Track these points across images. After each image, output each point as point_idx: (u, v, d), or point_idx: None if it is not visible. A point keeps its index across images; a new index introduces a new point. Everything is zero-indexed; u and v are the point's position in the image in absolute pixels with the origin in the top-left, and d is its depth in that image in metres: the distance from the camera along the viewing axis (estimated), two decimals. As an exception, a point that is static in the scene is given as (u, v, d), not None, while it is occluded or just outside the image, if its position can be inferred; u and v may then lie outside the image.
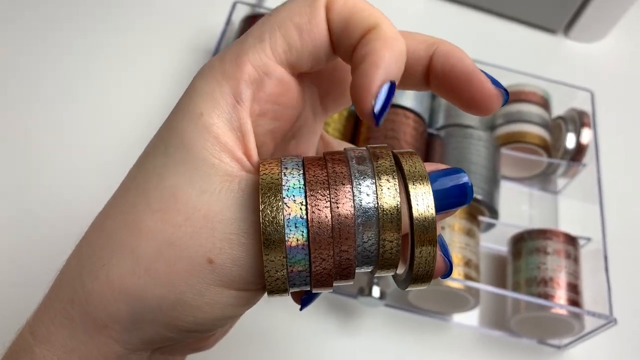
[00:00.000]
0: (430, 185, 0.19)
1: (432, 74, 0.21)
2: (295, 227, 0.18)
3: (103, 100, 0.60)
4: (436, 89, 0.22)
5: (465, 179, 0.20)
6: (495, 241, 0.56)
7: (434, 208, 0.18)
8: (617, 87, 0.72)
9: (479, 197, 0.51)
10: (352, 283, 0.20)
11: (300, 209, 0.18)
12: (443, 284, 0.47)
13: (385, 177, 0.19)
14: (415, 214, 0.18)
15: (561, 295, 0.48)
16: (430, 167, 0.20)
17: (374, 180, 0.19)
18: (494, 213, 0.52)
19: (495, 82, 0.21)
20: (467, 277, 0.48)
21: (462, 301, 0.48)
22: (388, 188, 0.19)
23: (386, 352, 0.50)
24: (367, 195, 0.19)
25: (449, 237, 0.49)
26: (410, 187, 0.19)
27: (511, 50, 0.74)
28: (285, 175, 0.19)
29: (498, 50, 0.73)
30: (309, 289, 0.20)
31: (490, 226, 0.55)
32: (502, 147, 0.57)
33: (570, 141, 0.58)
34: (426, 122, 0.56)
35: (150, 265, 0.19)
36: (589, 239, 0.53)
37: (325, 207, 0.18)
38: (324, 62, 0.21)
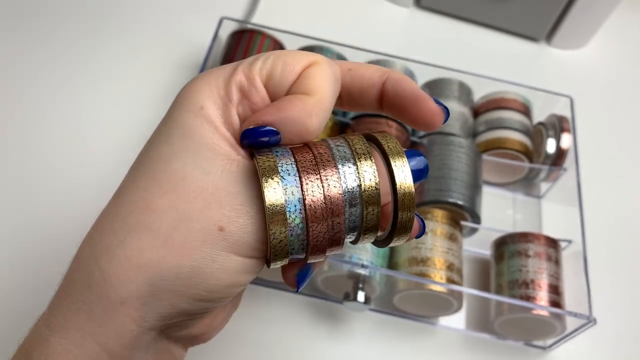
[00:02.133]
0: (407, 160, 0.22)
1: (385, 96, 0.25)
2: (294, 205, 0.21)
3: (92, 115, 0.61)
4: (388, 109, 0.26)
5: (424, 159, 0.24)
6: (479, 245, 0.57)
7: (411, 178, 0.22)
8: (597, 92, 0.74)
9: (460, 202, 0.52)
10: (340, 251, 0.23)
11: (297, 186, 0.21)
12: (426, 287, 0.48)
13: (364, 157, 0.22)
14: (398, 184, 0.22)
15: (543, 296, 0.49)
16: None
17: (354, 162, 0.22)
18: (476, 218, 0.54)
19: (437, 102, 0.25)
20: (450, 280, 0.49)
21: (445, 304, 0.49)
22: (367, 169, 0.22)
23: (374, 356, 0.51)
24: (350, 175, 0.22)
25: (431, 242, 0.50)
26: (392, 161, 0.22)
27: (494, 59, 0.75)
28: (278, 158, 0.22)
29: (481, 59, 0.74)
30: (304, 255, 0.22)
31: (473, 231, 0.56)
32: (484, 154, 0.59)
33: (550, 146, 0.59)
34: (409, 130, 0.58)
35: (167, 238, 0.21)
36: (570, 242, 0.54)
37: (318, 184, 0.21)
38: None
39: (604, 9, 0.72)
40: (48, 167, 0.57)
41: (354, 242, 0.24)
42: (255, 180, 0.22)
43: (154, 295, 0.21)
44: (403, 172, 0.22)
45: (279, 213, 0.21)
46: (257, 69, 0.23)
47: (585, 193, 0.57)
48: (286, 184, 0.21)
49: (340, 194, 0.22)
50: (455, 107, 0.60)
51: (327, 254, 0.23)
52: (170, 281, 0.21)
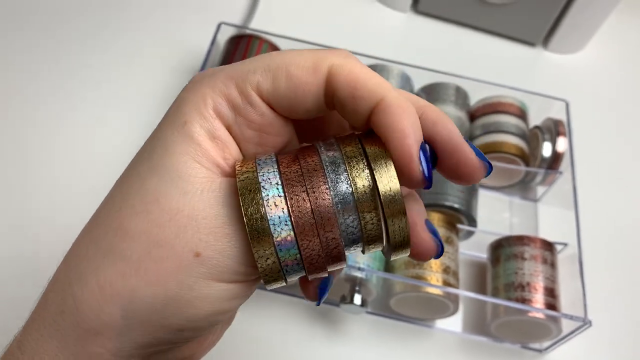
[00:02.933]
0: (391, 162, 0.20)
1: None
2: (279, 220, 0.19)
3: (89, 121, 0.62)
4: None
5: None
6: (476, 248, 0.58)
7: (397, 181, 0.20)
8: (593, 96, 0.74)
9: (456, 205, 0.53)
10: (345, 266, 0.21)
11: (280, 201, 0.19)
12: (423, 290, 0.48)
13: (355, 161, 0.20)
14: (381, 189, 0.20)
15: (538, 299, 0.49)
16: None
17: (344, 166, 0.20)
18: (472, 221, 0.54)
19: (479, 154, 0.21)
20: (446, 283, 0.49)
21: (441, 307, 0.50)
22: (358, 171, 0.20)
23: (370, 358, 0.51)
24: (341, 181, 0.20)
25: (427, 245, 0.50)
26: (373, 165, 0.20)
27: (491, 63, 0.76)
28: (261, 172, 0.20)
29: (478, 63, 0.75)
30: (304, 274, 0.21)
31: (470, 234, 0.57)
32: (480, 157, 0.59)
33: (546, 150, 0.59)
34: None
35: (140, 266, 0.20)
36: (565, 245, 0.54)
37: (304, 197, 0.20)
38: (312, 115, 0.22)
39: (600, 14, 0.73)
40: (45, 169, 0.58)
41: (363, 252, 0.22)
42: (236, 197, 0.20)
43: (129, 326, 0.20)
44: (387, 174, 0.20)
45: (262, 230, 0.19)
46: (254, 84, 0.21)
47: (581, 196, 0.57)
48: (268, 196, 0.19)
49: (330, 205, 0.20)
50: (452, 112, 0.61)
51: (328, 271, 0.21)
52: (145, 311, 0.20)
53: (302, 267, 0.20)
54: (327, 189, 0.20)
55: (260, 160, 0.21)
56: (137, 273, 0.20)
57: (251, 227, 0.19)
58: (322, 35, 0.66)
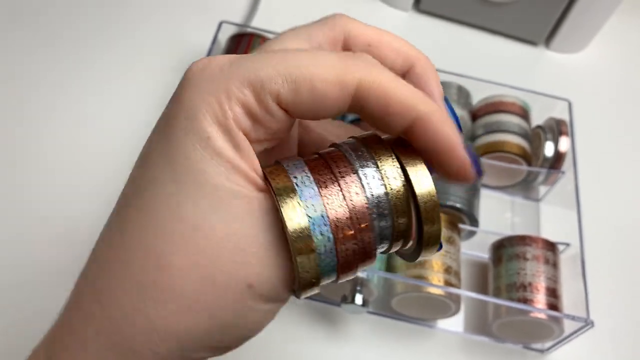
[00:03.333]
0: (424, 164, 0.20)
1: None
2: (321, 233, 0.19)
3: (92, 118, 0.62)
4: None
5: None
6: (478, 248, 0.57)
7: (432, 185, 0.20)
8: (596, 96, 0.74)
9: (458, 205, 0.52)
10: (373, 263, 0.21)
11: (321, 211, 0.19)
12: (424, 290, 0.48)
13: (386, 162, 0.20)
14: (418, 194, 0.19)
15: (540, 299, 0.49)
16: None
17: (377, 169, 0.20)
18: (474, 221, 0.54)
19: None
20: (448, 283, 0.49)
21: (443, 307, 0.50)
22: (392, 173, 0.20)
23: (371, 359, 0.51)
24: (375, 185, 0.20)
25: (429, 245, 0.50)
26: (407, 167, 0.20)
27: (493, 62, 0.75)
28: (297, 184, 0.19)
29: (480, 62, 0.74)
30: (335, 278, 0.20)
31: (472, 234, 0.56)
32: (482, 157, 0.59)
33: (549, 149, 0.59)
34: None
35: (193, 304, 0.19)
36: (568, 245, 0.54)
37: (341, 205, 0.19)
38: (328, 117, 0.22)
39: (602, 13, 0.73)
40: (48, 169, 0.57)
41: (384, 252, 0.22)
42: (278, 216, 0.19)
43: (184, 352, 0.20)
44: (421, 178, 0.19)
45: (304, 238, 0.19)
46: (274, 94, 0.19)
47: (583, 196, 0.57)
48: (306, 200, 0.19)
49: (366, 209, 0.19)
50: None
51: (358, 270, 0.21)
52: (200, 340, 0.20)
53: (336, 272, 0.20)
54: (362, 192, 0.19)
55: (289, 167, 0.20)
56: (190, 310, 0.19)
57: (294, 244, 0.19)
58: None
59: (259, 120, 0.20)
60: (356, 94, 0.20)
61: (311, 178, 0.19)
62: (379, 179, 0.20)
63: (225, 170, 0.19)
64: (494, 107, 0.62)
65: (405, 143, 0.20)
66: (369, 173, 0.20)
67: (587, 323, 0.47)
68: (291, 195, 0.19)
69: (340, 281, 0.21)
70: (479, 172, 0.21)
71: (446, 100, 0.22)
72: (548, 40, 0.78)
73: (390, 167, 0.20)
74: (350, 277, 0.21)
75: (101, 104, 0.63)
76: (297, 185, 0.19)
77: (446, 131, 0.20)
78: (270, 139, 0.21)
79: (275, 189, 0.19)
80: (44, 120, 0.61)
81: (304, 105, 0.20)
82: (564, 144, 0.59)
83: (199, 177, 0.19)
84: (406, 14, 0.79)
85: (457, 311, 0.50)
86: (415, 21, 0.78)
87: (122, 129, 0.61)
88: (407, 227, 0.20)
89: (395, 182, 0.20)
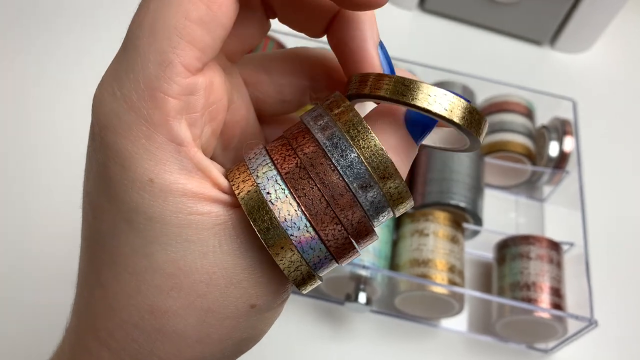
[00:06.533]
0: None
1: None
2: (296, 225, 0.17)
3: (87, 116, 0.62)
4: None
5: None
6: (482, 248, 0.57)
7: (452, 95, 0.17)
8: (601, 96, 0.74)
9: (462, 204, 0.52)
10: (377, 238, 0.19)
11: (291, 204, 0.17)
12: (428, 289, 0.48)
13: (354, 127, 0.18)
14: (445, 114, 0.17)
15: (544, 299, 0.49)
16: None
17: (345, 137, 0.18)
18: (477, 220, 0.54)
19: (386, 61, 0.20)
20: (451, 282, 0.49)
21: (446, 306, 0.50)
22: (363, 137, 0.17)
23: (374, 357, 0.51)
24: (348, 156, 0.17)
25: (433, 244, 0.50)
26: (412, 98, 0.17)
27: (498, 62, 0.75)
28: (261, 184, 0.18)
29: (485, 62, 0.74)
30: (336, 263, 0.19)
31: (476, 233, 0.56)
32: (487, 156, 0.59)
33: (553, 149, 0.59)
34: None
35: (200, 335, 0.19)
36: (572, 244, 0.54)
37: (312, 189, 0.17)
38: (248, 27, 0.20)
39: (607, 13, 0.72)
40: (42, 167, 0.58)
41: (394, 215, 0.19)
42: (253, 230, 0.18)
43: None
44: (437, 97, 0.17)
45: (281, 239, 0.17)
46: (183, 73, 0.17)
47: (588, 196, 0.57)
48: (274, 199, 0.17)
49: (343, 185, 0.17)
50: (458, 110, 0.61)
51: (361, 248, 0.19)
52: (219, 359, 0.20)
53: (332, 258, 0.19)
54: (332, 168, 0.17)
55: (251, 163, 0.18)
56: (199, 342, 0.19)
57: (272, 250, 0.18)
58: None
59: (189, 109, 0.17)
60: None
61: (274, 171, 0.18)
62: (349, 147, 0.17)
63: (182, 204, 0.17)
64: (498, 106, 0.62)
65: (373, 79, 0.18)
66: (337, 145, 0.18)
67: (591, 323, 0.47)
68: (258, 200, 0.17)
69: (345, 263, 0.19)
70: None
71: (381, 45, 0.21)
72: (553, 40, 0.78)
73: (359, 132, 0.17)
74: (356, 257, 0.19)
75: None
76: (261, 186, 0.18)
77: (365, 29, 0.19)
78: (209, 116, 0.19)
79: (240, 200, 0.18)
80: (41, 116, 0.61)
81: (207, 43, 0.17)
82: (569, 143, 0.59)
83: (157, 223, 0.17)
84: (411, 13, 0.79)
85: (460, 310, 0.50)
86: (420, 20, 0.78)
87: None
88: (404, 190, 0.18)
89: (369, 147, 0.17)
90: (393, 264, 0.51)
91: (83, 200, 0.20)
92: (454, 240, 0.51)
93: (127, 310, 0.18)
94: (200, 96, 0.17)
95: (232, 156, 0.22)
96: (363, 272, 0.48)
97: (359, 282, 0.49)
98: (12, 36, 0.67)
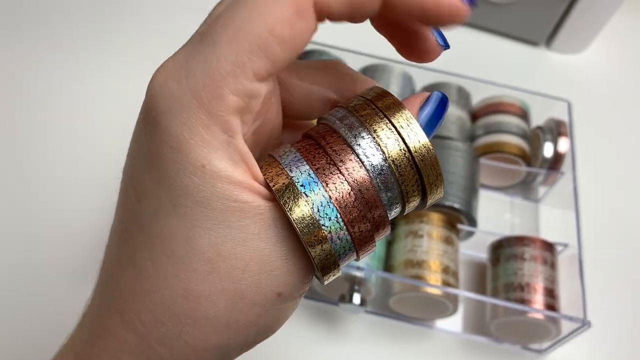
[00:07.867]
0: (409, 114, 0.20)
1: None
2: (327, 216, 0.19)
3: (90, 116, 0.62)
4: (378, 27, 0.22)
5: (438, 94, 0.21)
6: (476, 249, 0.58)
7: (423, 134, 0.19)
8: (596, 97, 0.74)
9: (456, 205, 0.53)
10: (389, 232, 0.21)
11: (324, 196, 0.19)
12: (422, 290, 0.48)
13: (378, 126, 0.19)
14: (411, 148, 0.19)
15: (538, 299, 0.49)
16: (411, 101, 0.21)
17: (371, 136, 0.19)
18: (472, 221, 0.54)
19: (441, 38, 0.21)
20: (445, 283, 0.49)
21: (441, 307, 0.50)
22: (387, 137, 0.19)
23: (369, 358, 0.51)
24: (372, 155, 0.19)
25: (427, 245, 0.50)
26: (394, 122, 0.19)
27: (494, 63, 0.75)
28: (294, 177, 0.19)
29: (481, 63, 0.75)
30: (355, 256, 0.20)
31: (470, 234, 0.56)
32: (482, 157, 0.59)
33: (548, 150, 0.59)
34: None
35: (229, 321, 0.19)
36: (566, 245, 0.54)
37: (343, 185, 0.19)
38: None
39: (603, 14, 0.73)
40: (48, 166, 0.58)
41: (402, 214, 0.22)
42: (289, 222, 0.19)
43: (224, 358, 0.21)
44: (412, 131, 0.19)
45: (314, 229, 0.19)
46: (251, 78, 0.18)
47: (582, 197, 0.57)
48: (307, 192, 0.19)
49: (367, 176, 0.19)
50: (454, 111, 0.61)
51: (377, 241, 0.21)
52: (239, 346, 0.21)
53: (355, 250, 0.20)
54: (361, 166, 0.19)
55: (282, 160, 0.20)
56: (227, 327, 0.19)
57: (305, 238, 0.19)
58: (324, 35, 0.66)
59: (247, 117, 0.19)
60: (317, 8, 0.18)
61: (307, 166, 0.19)
62: (375, 147, 0.19)
63: (229, 192, 0.18)
64: (493, 107, 0.62)
65: (385, 95, 0.20)
66: (362, 143, 0.19)
67: (585, 323, 0.47)
68: (293, 192, 0.19)
69: (361, 257, 0.21)
70: (472, 2, 0.19)
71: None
72: (549, 40, 0.78)
73: (383, 131, 0.19)
74: (371, 251, 0.21)
75: (99, 100, 0.64)
76: (295, 179, 0.19)
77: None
78: (258, 117, 0.20)
79: (276, 192, 0.19)
80: (41, 115, 0.61)
81: (279, 61, 0.18)
82: (563, 144, 0.59)
83: (203, 208, 0.18)
84: (407, 14, 0.79)
85: (455, 311, 0.50)
86: (416, 21, 0.78)
87: (119, 125, 0.61)
88: (418, 190, 0.20)
89: (393, 145, 0.19)
90: (387, 265, 0.52)
91: (123, 182, 0.21)
92: (448, 241, 0.51)
93: (160, 293, 0.19)
94: (259, 101, 0.19)
95: (257, 154, 0.23)
96: (357, 273, 0.48)
97: (354, 283, 0.49)
98: (12, 36, 0.67)
